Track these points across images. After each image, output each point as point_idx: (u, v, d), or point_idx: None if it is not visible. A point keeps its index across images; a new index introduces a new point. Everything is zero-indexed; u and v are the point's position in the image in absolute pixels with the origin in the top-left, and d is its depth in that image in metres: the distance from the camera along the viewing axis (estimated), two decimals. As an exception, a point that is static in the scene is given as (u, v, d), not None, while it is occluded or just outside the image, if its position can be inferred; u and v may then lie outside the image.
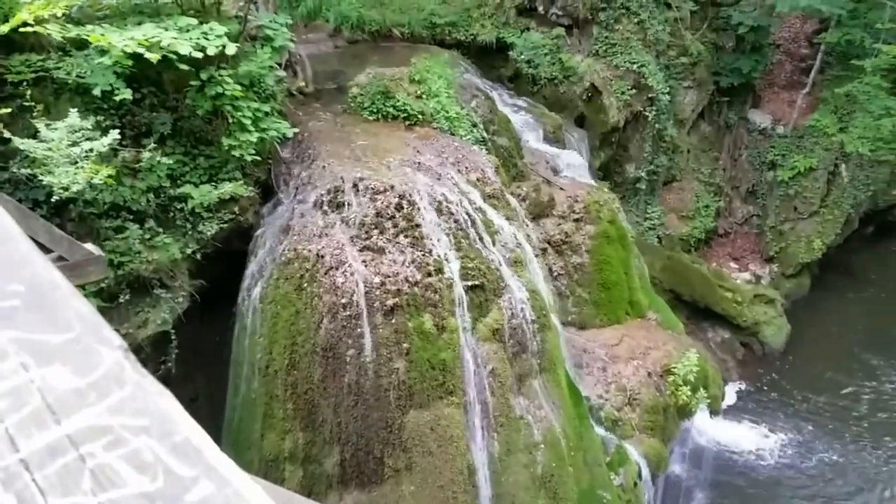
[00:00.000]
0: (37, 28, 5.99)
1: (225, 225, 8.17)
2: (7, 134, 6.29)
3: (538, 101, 13.80)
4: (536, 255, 9.26)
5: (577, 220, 10.98)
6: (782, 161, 16.07)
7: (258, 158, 8.37)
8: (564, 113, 13.68)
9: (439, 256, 8.31)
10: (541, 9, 13.95)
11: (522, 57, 13.64)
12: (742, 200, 17.11)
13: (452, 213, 8.72)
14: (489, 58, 14.19)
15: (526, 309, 8.31)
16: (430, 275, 8.12)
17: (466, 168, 9.54)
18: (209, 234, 8.12)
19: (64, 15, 6.88)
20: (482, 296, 8.25)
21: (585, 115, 13.89)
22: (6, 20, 6.56)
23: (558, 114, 13.44)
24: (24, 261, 1.04)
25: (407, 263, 8.13)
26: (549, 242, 10.65)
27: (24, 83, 7.16)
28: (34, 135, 6.37)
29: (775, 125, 16.35)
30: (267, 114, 8.52)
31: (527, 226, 9.83)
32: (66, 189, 5.78)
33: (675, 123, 15.19)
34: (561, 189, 11.33)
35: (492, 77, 13.93)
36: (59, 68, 7.22)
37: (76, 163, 5.84)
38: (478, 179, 9.50)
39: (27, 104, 6.89)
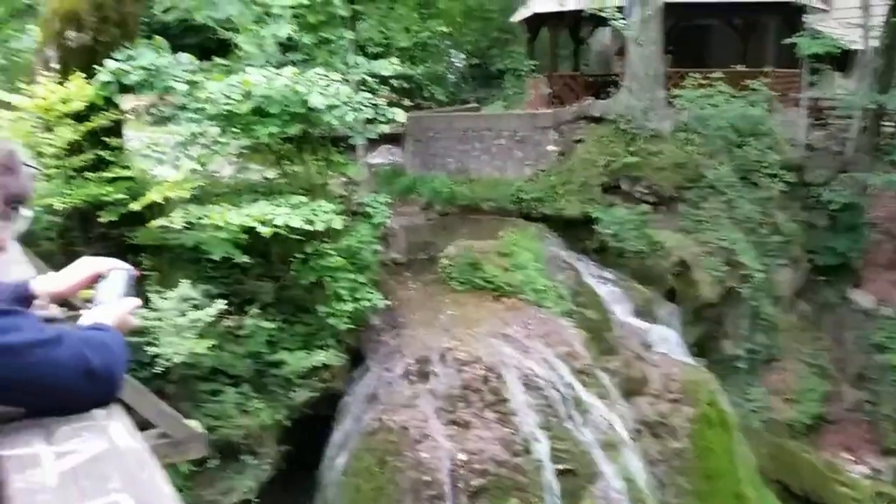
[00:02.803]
0: (162, 221, 6.56)
1: (316, 392, 8.21)
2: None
3: (625, 273, 13.73)
4: (631, 438, 8.72)
5: (673, 401, 10.41)
6: (891, 344, 15.03)
7: (352, 327, 8.55)
8: (653, 287, 13.50)
9: (527, 435, 7.97)
10: (625, 187, 14.32)
11: (608, 231, 13.81)
12: (851, 385, 15.89)
13: (541, 389, 8.48)
14: (574, 230, 14.45)
15: (623, 500, 7.70)
16: (517, 454, 7.75)
17: (554, 341, 9.40)
18: (300, 400, 8.16)
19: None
20: (574, 482, 7.74)
21: (675, 289, 13.66)
22: (136, 199, 7.21)
23: (646, 287, 13.27)
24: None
25: (494, 440, 7.83)
26: (643, 423, 10.07)
27: (144, 251, 7.76)
28: (145, 303, 6.77)
29: (880, 306, 15.50)
30: (363, 284, 8.81)
31: (619, 405, 9.37)
32: (168, 360, 6.01)
33: (772, 301, 14.67)
34: (654, 366, 10.89)
35: (577, 249, 14.09)
36: (178, 239, 7.81)
37: (181, 332, 6.12)
38: (566, 353, 9.30)
39: (146, 273, 7.40)
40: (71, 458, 1.04)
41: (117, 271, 1.60)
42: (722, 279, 13.76)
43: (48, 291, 1.60)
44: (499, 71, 19.94)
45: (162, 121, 14.78)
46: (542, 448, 7.88)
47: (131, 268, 1.65)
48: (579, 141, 14.73)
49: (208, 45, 13.70)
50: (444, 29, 16.05)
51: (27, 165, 1.38)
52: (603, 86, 16.95)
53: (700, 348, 14.16)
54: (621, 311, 12.45)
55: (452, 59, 21.51)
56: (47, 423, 1.15)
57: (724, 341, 14.41)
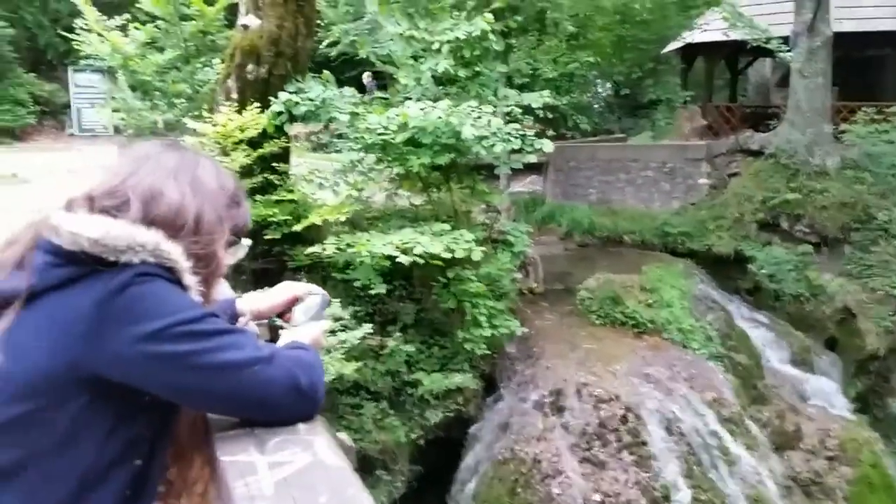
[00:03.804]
0: (317, 248, 6.99)
1: (449, 414, 8.34)
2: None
3: (780, 317, 12.83)
4: (783, 496, 8.07)
5: (829, 458, 9.53)
6: None
7: (488, 353, 8.62)
8: (811, 333, 12.49)
9: (667, 482, 7.59)
10: (784, 225, 13.42)
11: (764, 271, 12.99)
12: None
13: (684, 434, 8.06)
14: (724, 268, 13.71)
15: (771, 563, 7.13)
16: (655, 501, 7.40)
17: (701, 385, 8.92)
18: (433, 421, 8.30)
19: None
20: (717, 538, 7.27)
21: (837, 338, 12.56)
22: (298, 220, 7.72)
23: (804, 334, 12.31)
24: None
25: (630, 484, 7.52)
26: (794, 480, 9.28)
27: (301, 270, 8.28)
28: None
29: None
30: (500, 311, 8.86)
31: (770, 458, 8.71)
32: (318, 376, 6.34)
33: (950, 357, 13.08)
34: (810, 419, 10.04)
35: (727, 288, 13.35)
36: (331, 258, 8.27)
37: (330, 352, 6.45)
38: (713, 399, 8.79)
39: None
40: (283, 469, 1.13)
41: (313, 296, 1.74)
42: (891, 330, 12.49)
43: (251, 310, 1.77)
44: (649, 101, 19.47)
45: (320, 147, 15.84)
46: (683, 497, 7.47)
47: (325, 293, 1.79)
48: (734, 175, 14.04)
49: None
50: (592, 60, 15.93)
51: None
52: (761, 118, 16.09)
53: (862, 404, 12.87)
54: (775, 358, 11.63)
55: (598, 89, 21.30)
56: (259, 433, 1.27)
57: (890, 398, 13.02)
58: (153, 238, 1.21)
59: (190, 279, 1.26)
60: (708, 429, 8.27)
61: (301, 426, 1.28)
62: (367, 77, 17.51)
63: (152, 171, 1.34)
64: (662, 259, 12.74)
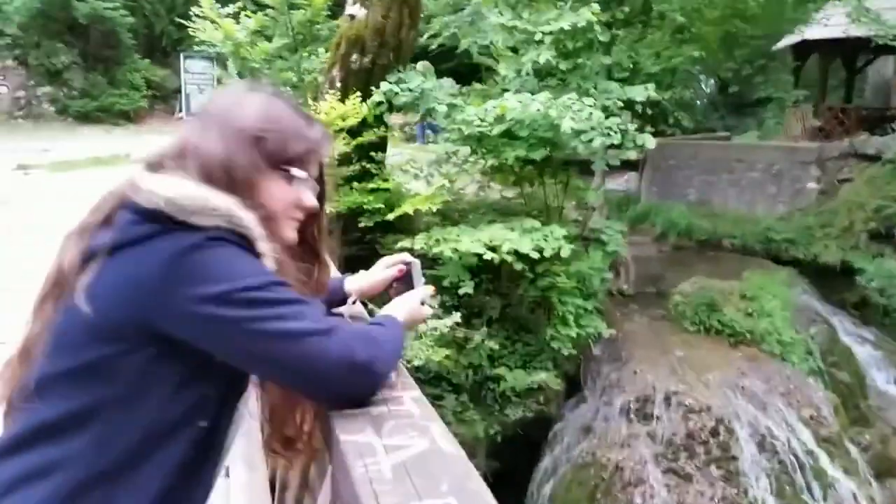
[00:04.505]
0: (406, 243, 7.04)
1: (530, 413, 8.25)
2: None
3: (889, 335, 11.98)
4: (883, 527, 7.54)
5: (938, 492, 8.82)
6: None
7: (573, 352, 8.46)
8: (925, 355, 11.59)
9: (756, 499, 7.24)
10: (900, 236, 12.48)
11: (873, 284, 12.14)
12: None
13: (777, 452, 7.66)
14: (829, 279, 12.92)
15: None
16: (743, 519, 7.08)
17: (798, 402, 8.44)
18: (513, 418, 8.24)
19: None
20: (809, 565, 6.88)
21: (955, 362, 11.59)
22: (392, 209, 7.81)
23: (917, 355, 11.43)
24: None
25: (717, 499, 7.23)
26: (897, 512, 8.66)
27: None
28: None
29: None
30: (588, 311, 8.68)
31: (870, 485, 8.16)
32: (409, 362, 6.41)
33: None
34: (918, 448, 9.32)
35: (832, 301, 12.57)
36: (421, 249, 8.32)
37: (421, 337, 6.49)
38: (811, 417, 8.30)
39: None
40: (401, 453, 1.11)
41: (415, 261, 1.74)
42: None
43: (358, 289, 1.82)
44: (756, 99, 18.53)
45: (413, 138, 15.98)
46: (772, 517, 7.12)
47: (417, 261, 1.79)
48: (846, 180, 13.18)
49: (461, 69, 14.55)
50: (697, 54, 15.28)
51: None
52: (880, 121, 15.02)
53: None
54: (881, 379, 10.89)
55: (702, 86, 20.46)
56: (376, 413, 1.25)
57: None
58: (225, 203, 1.21)
59: (264, 246, 1.25)
60: (804, 448, 7.82)
61: (416, 411, 1.25)
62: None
63: (201, 124, 1.35)
64: (764, 266, 12.12)
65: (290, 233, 1.40)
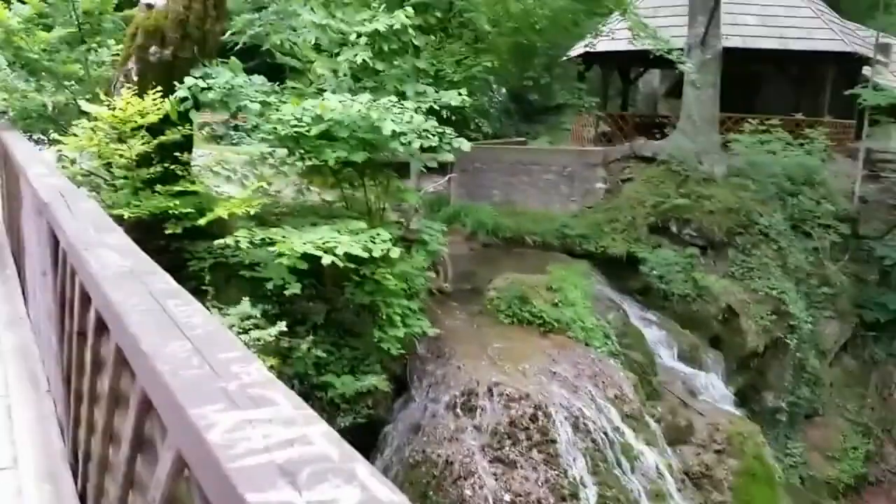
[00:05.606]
0: (228, 240, 6.59)
1: (361, 419, 8.11)
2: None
3: (669, 316, 13.48)
4: (678, 490, 8.46)
5: (718, 452, 10.11)
6: (942, 405, 14.53)
7: (402, 352, 8.47)
8: (698, 332, 13.22)
9: (575, 479, 7.76)
10: (674, 229, 14.14)
11: (654, 272, 13.60)
12: (895, 445, 15.35)
13: (590, 432, 8.27)
14: (618, 269, 14.25)
15: (675, 554, 7.44)
16: (564, 500, 7.54)
17: (604, 382, 9.19)
18: (343, 426, 8.03)
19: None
20: (624, 532, 7.50)
21: (721, 336, 13.38)
22: (203, 214, 7.26)
23: (691, 332, 13.01)
24: None
25: (540, 483, 7.63)
26: (686, 474, 9.77)
27: (204, 269, 7.77)
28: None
29: (932, 365, 15.04)
30: (413, 311, 8.74)
31: (667, 453, 9.12)
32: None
33: (817, 354, 14.31)
34: (700, 414, 10.61)
35: (621, 288, 13.88)
36: (236, 256, 7.82)
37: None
38: (615, 396, 9.09)
39: (203, 287, 7.41)
40: None
41: None
42: (769, 328, 13.45)
43: None
44: (545, 107, 19.96)
45: (214, 139, 15.02)
46: (589, 494, 7.66)
47: None
48: (628, 180, 14.65)
49: (263, 69, 13.93)
50: (489, 63, 16.12)
51: None
52: (650, 127, 16.91)
53: (741, 398, 13.79)
54: (666, 356, 12.20)
55: (495, 94, 21.60)
56: (280, 459, 1.02)
57: (766, 392, 14.03)
58: None
59: None
60: (612, 425, 8.53)
61: (332, 451, 1.04)
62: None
63: None
64: (562, 260, 13.06)
65: None
